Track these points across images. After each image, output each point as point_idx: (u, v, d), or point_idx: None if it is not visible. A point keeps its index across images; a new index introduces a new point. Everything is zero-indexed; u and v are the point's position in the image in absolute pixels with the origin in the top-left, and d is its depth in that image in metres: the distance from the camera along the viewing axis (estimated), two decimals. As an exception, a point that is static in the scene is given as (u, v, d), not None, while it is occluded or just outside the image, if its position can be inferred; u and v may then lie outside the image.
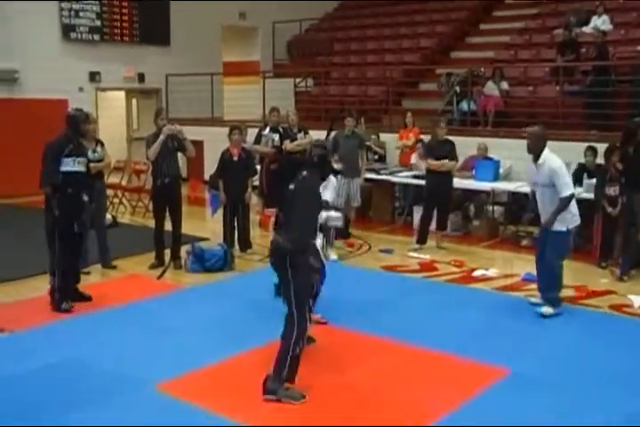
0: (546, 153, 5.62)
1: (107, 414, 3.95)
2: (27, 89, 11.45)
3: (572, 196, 5.60)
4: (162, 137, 7.03)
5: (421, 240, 8.16)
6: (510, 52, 12.85)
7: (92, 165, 6.98)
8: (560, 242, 5.70)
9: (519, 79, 11.77)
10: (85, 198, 5.95)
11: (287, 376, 4.13)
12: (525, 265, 7.28)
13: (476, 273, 7.04)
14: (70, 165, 5.81)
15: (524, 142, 9.51)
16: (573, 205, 5.70)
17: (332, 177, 7.83)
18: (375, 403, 4.13)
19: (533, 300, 5.97)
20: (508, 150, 9.48)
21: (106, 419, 3.89)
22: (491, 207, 9.10)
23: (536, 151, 5.67)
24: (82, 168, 5.94)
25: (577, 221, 5.77)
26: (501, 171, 9.22)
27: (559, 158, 5.67)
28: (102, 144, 7.20)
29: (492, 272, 7.03)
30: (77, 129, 5.97)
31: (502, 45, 13.34)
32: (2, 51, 11.31)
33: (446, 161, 8.04)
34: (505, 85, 11.08)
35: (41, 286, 6.17)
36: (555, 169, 5.53)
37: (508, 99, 11.11)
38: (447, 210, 8.41)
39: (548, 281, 5.77)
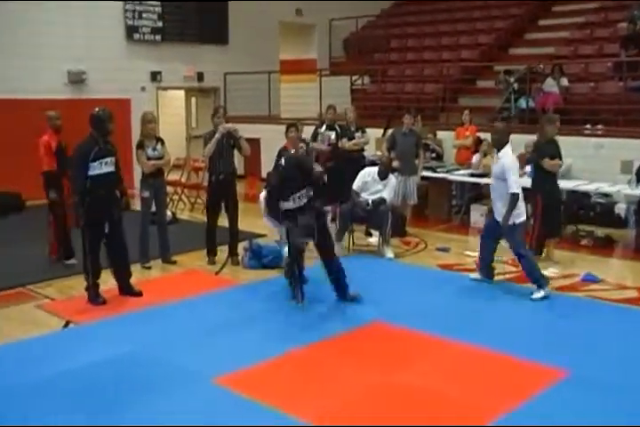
0: (507, 149, 6.11)
1: (166, 407, 4.05)
2: (93, 89, 11.86)
3: (518, 195, 5.99)
4: (217, 135, 7.19)
5: (540, 251, 7.39)
6: (570, 48, 12.60)
7: (152, 162, 7.20)
8: (511, 235, 6.17)
9: (579, 75, 11.53)
10: (117, 196, 6.13)
11: None
12: (585, 265, 7.19)
13: (534, 273, 6.96)
14: (98, 168, 5.88)
15: (584, 140, 9.50)
16: (521, 202, 6.12)
17: (392, 177, 7.91)
18: (431, 402, 4.15)
19: (472, 276, 6.65)
20: (568, 148, 9.27)
21: (165, 412, 3.99)
22: (549, 206, 8.95)
23: (498, 146, 6.19)
24: (110, 168, 6.00)
25: (522, 216, 6.16)
26: (560, 169, 9.05)
27: (515, 157, 6.22)
28: (163, 142, 7.39)
29: (550, 272, 6.94)
30: (102, 128, 5.96)
31: (562, 41, 13.09)
32: (71, 53, 11.71)
33: (558, 161, 7.29)
34: (565, 82, 10.87)
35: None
36: (508, 166, 5.99)
37: (567, 95, 10.91)
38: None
39: (527, 269, 6.17)
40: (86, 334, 5.38)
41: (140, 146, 7.21)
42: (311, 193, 5.82)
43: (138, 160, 7.30)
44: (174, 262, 7.44)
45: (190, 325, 5.46)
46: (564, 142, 9.39)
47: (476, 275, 6.65)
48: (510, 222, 6.06)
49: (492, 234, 6.43)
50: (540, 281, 6.08)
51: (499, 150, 6.17)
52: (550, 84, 10.70)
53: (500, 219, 6.17)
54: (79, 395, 4.24)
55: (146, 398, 4.18)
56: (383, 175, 7.73)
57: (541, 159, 7.11)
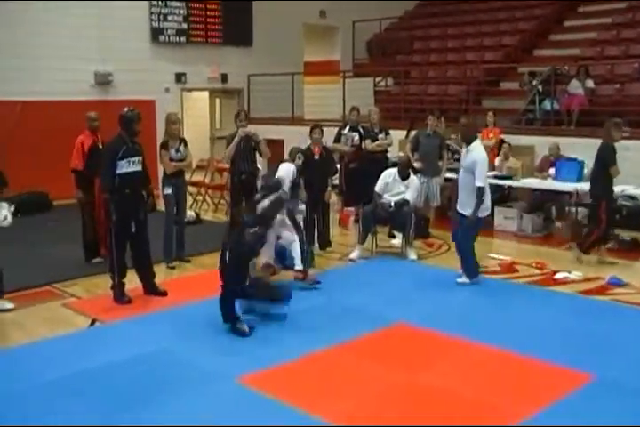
0: (477, 143, 6.36)
1: (190, 407, 4.09)
2: (119, 91, 12.00)
3: (483, 188, 6.20)
4: (236, 139, 7.42)
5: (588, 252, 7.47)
6: (597, 49, 12.49)
7: (173, 163, 7.29)
8: (472, 227, 6.40)
9: (605, 77, 11.43)
10: (143, 195, 6.20)
11: None
12: (610, 268, 7.12)
13: (559, 275, 6.91)
14: (125, 166, 5.97)
15: (610, 142, 9.36)
16: (487, 197, 6.35)
17: (414, 178, 7.90)
18: (453, 404, 4.14)
19: (459, 280, 6.59)
20: (593, 150, 9.21)
21: (190, 412, 4.02)
22: (573, 209, 8.89)
23: (466, 139, 6.48)
24: (137, 168, 6.08)
25: (486, 211, 6.47)
26: (585, 171, 8.99)
27: (484, 152, 6.38)
28: (186, 143, 7.48)
29: (575, 275, 6.89)
30: (130, 128, 6.04)
31: (588, 42, 12.98)
32: (98, 55, 11.86)
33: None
34: (590, 83, 10.78)
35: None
36: (477, 160, 6.19)
37: (593, 97, 10.82)
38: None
39: (461, 256, 6.56)
40: (112, 332, 5.44)
41: (164, 146, 7.31)
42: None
43: (161, 160, 7.41)
44: (188, 261, 7.53)
45: (214, 325, 5.48)
46: (590, 145, 9.33)
47: (463, 279, 6.61)
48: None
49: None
50: (470, 273, 6.50)
51: (468, 144, 6.38)
52: (575, 86, 10.61)
53: (461, 210, 6.39)
54: (102, 394, 4.29)
55: (170, 398, 4.22)
56: (404, 175, 7.72)
57: (612, 165, 7.11)
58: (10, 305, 5.95)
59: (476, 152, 6.25)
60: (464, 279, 6.53)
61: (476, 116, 11.29)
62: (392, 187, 7.71)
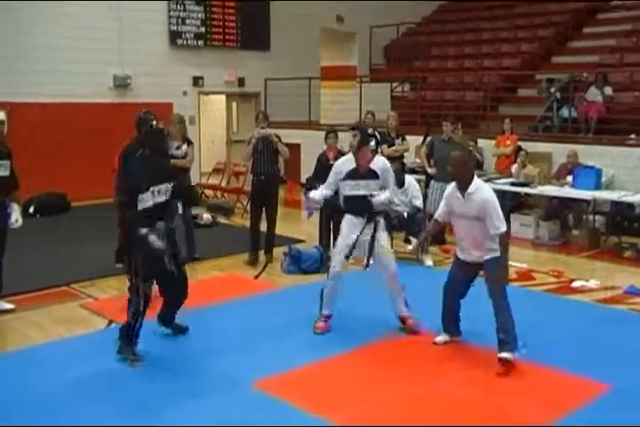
0: (476, 182, 4.82)
1: (206, 410, 4.09)
2: (137, 94, 12.08)
3: (505, 233, 4.78)
4: (253, 140, 7.48)
5: None
6: (616, 56, 12.44)
7: (172, 161, 7.29)
8: (502, 291, 4.90)
9: (624, 84, 11.37)
10: None
11: None
12: (628, 277, 7.07)
13: (576, 284, 6.87)
14: None
15: (628, 150, 9.35)
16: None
17: (412, 182, 7.84)
18: (468, 412, 4.12)
19: (437, 339, 5.22)
20: (611, 158, 9.21)
21: (205, 415, 4.03)
22: (591, 217, 8.84)
23: (463, 179, 4.83)
24: None
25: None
26: (603, 179, 8.95)
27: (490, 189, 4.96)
28: (190, 143, 7.45)
29: (592, 284, 6.85)
30: (140, 131, 6.01)
31: (607, 49, 12.93)
32: (117, 58, 11.94)
33: None
34: (609, 91, 10.73)
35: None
36: (488, 200, 4.72)
37: (611, 105, 10.76)
38: None
39: (501, 320, 4.84)
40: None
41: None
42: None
43: None
44: (197, 259, 7.56)
45: (230, 328, 5.51)
46: (608, 153, 9.32)
47: (442, 337, 5.24)
48: (498, 254, 4.78)
49: (460, 288, 5.12)
50: (515, 338, 4.82)
51: (465, 186, 4.80)
52: (594, 94, 10.57)
53: (478, 259, 4.91)
54: (119, 395, 4.32)
55: (185, 401, 4.23)
56: (399, 184, 7.75)
57: None
58: (9, 306, 5.98)
59: (482, 192, 4.77)
60: (509, 354, 4.73)
61: (494, 122, 11.28)
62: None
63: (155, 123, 5.02)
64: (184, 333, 5.29)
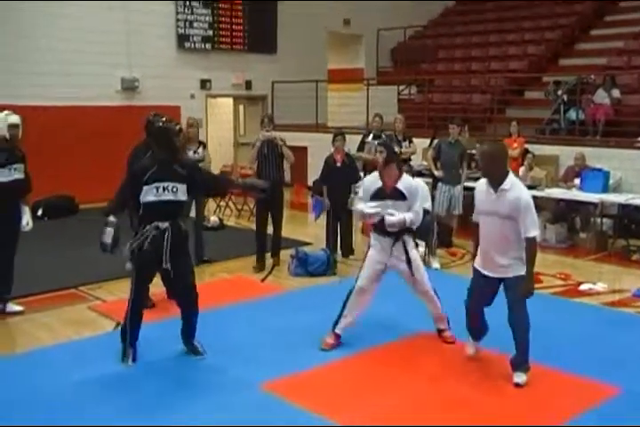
0: (512, 178, 4.47)
1: (213, 412, 4.10)
2: (145, 97, 12.14)
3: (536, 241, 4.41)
4: (257, 143, 7.44)
5: None
6: (624, 59, 12.42)
7: None
8: (523, 302, 4.59)
9: (632, 86, 11.36)
10: None
11: None
12: (636, 280, 7.06)
13: (583, 287, 6.86)
14: None
15: (636, 153, 9.33)
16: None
17: (420, 186, 7.86)
18: (476, 414, 4.12)
19: (469, 351, 4.97)
20: (619, 161, 9.19)
21: (212, 416, 4.03)
22: (598, 219, 8.82)
23: (496, 174, 4.45)
24: None
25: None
26: (611, 182, 8.94)
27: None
28: (205, 146, 7.61)
29: (599, 287, 6.83)
30: (149, 134, 5.75)
31: (615, 51, 12.91)
32: (125, 61, 12.01)
33: None
34: (616, 93, 10.72)
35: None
36: (527, 200, 4.37)
37: (619, 107, 10.74)
38: None
39: (519, 339, 4.56)
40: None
41: (182, 147, 7.39)
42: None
43: None
44: (208, 261, 7.62)
45: (237, 331, 5.52)
46: (616, 155, 9.30)
47: (471, 348, 5.01)
48: (524, 273, 4.48)
49: (485, 301, 4.78)
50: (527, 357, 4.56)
51: (499, 181, 4.43)
52: (602, 96, 10.56)
53: (501, 273, 4.55)
54: (126, 396, 4.33)
55: (193, 403, 4.24)
56: None
57: None
58: (19, 308, 6.01)
59: (518, 190, 4.41)
60: (521, 378, 4.51)
61: (500, 125, 11.27)
62: None
63: (162, 123, 4.88)
64: (196, 355, 5.01)
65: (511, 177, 4.45)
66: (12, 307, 5.99)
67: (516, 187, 4.41)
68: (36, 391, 4.38)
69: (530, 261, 4.43)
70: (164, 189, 4.68)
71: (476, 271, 4.75)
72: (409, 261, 5.12)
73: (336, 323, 5.20)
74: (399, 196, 5.06)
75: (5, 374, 4.67)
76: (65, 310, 6.10)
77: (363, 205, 5.12)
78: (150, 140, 5.14)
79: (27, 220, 5.96)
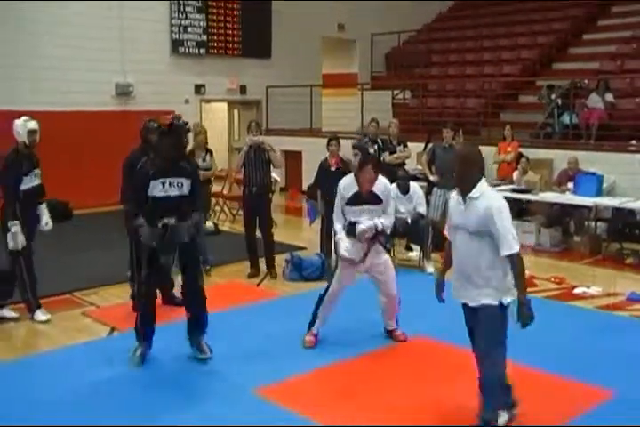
0: (483, 186, 3.71)
1: (206, 417, 4.09)
2: (139, 102, 12.17)
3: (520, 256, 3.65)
4: (244, 148, 7.38)
5: None
6: (617, 63, 12.48)
7: (200, 172, 7.33)
8: (497, 325, 3.77)
9: (626, 91, 11.41)
10: None
11: None
12: (630, 284, 7.07)
13: (577, 290, 6.87)
14: None
15: (629, 156, 9.38)
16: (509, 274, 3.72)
17: (416, 190, 7.87)
18: (471, 420, 4.12)
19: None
20: (612, 165, 9.23)
21: (206, 422, 4.03)
22: (592, 223, 8.85)
23: (465, 179, 3.73)
24: None
25: (514, 293, 3.72)
26: (605, 186, 8.96)
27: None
28: (212, 153, 7.63)
29: (593, 290, 6.84)
30: (146, 140, 5.96)
31: (608, 56, 12.97)
32: (120, 67, 12.03)
33: None
34: (610, 97, 10.76)
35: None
36: (499, 209, 3.61)
37: (612, 111, 10.79)
38: None
39: (489, 382, 3.78)
40: (130, 341, 5.46)
41: (192, 154, 7.40)
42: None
43: None
44: (208, 270, 7.46)
45: (232, 336, 5.51)
46: (609, 159, 9.34)
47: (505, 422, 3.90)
48: (495, 301, 3.73)
49: (474, 340, 3.98)
50: (499, 402, 3.85)
51: (466, 191, 3.72)
52: (595, 100, 10.60)
53: (468, 299, 3.82)
54: (120, 402, 4.33)
55: (187, 408, 4.24)
56: (404, 190, 7.78)
57: None
58: (14, 314, 6.00)
59: (488, 199, 3.67)
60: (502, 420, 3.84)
61: (494, 129, 11.31)
62: (398, 203, 7.50)
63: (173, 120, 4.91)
64: (199, 361, 4.99)
65: (482, 184, 3.70)
66: (9, 313, 5.99)
67: (486, 195, 3.67)
68: (33, 398, 4.36)
69: (519, 284, 3.67)
70: (170, 184, 4.76)
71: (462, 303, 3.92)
72: (380, 264, 5.20)
73: (311, 324, 5.34)
74: (375, 200, 5.03)
75: (1, 380, 4.66)
76: (59, 315, 6.08)
77: (342, 248, 5.08)
78: (154, 142, 5.25)
79: (46, 220, 6.00)
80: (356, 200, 5.04)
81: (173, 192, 4.77)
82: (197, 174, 5.06)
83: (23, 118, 5.86)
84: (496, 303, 3.73)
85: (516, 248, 3.61)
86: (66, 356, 5.14)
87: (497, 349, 3.76)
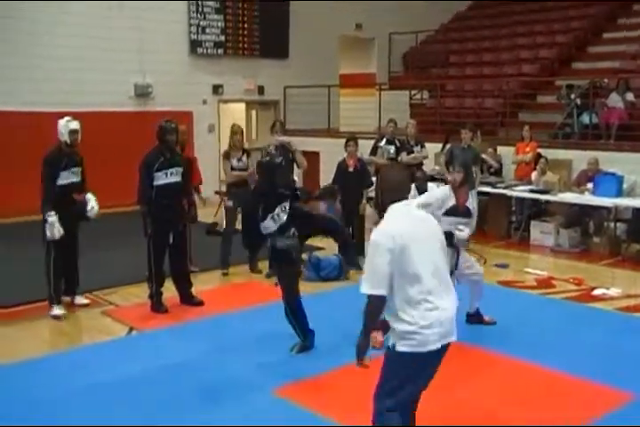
0: (389, 212, 3.35)
1: (225, 418, 4.11)
2: (158, 102, 12.20)
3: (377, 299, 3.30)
4: (271, 148, 7.35)
5: None
6: (637, 62, 12.36)
7: (235, 173, 7.42)
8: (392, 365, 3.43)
9: (646, 90, 11.29)
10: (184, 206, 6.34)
11: None
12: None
13: (597, 292, 6.82)
14: (162, 178, 6.03)
15: (650, 157, 9.26)
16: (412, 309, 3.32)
17: (442, 188, 7.85)
18: (487, 421, 4.11)
19: None
20: (633, 165, 9.13)
21: (224, 422, 4.04)
22: (612, 224, 8.77)
23: (380, 205, 3.50)
24: (176, 179, 6.13)
25: (414, 339, 3.33)
26: (625, 186, 8.88)
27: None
28: (249, 154, 7.61)
29: (613, 291, 6.79)
30: (162, 140, 6.09)
31: (628, 55, 12.84)
32: (139, 67, 12.08)
33: None
34: (630, 97, 10.66)
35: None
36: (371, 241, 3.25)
37: (633, 111, 10.68)
38: None
39: None
40: (149, 341, 5.52)
41: (226, 156, 7.46)
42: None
43: (224, 169, 7.69)
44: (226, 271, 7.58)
45: (249, 335, 5.53)
46: (630, 159, 9.25)
47: None
48: (383, 345, 3.53)
49: None
50: None
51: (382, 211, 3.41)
52: (615, 100, 10.50)
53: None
54: (137, 402, 4.35)
55: (205, 408, 4.27)
56: (421, 190, 7.74)
57: None
58: (86, 301, 6.38)
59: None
60: None
61: (513, 129, 11.24)
62: None
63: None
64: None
65: (392, 209, 3.31)
66: (82, 299, 6.39)
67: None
68: (50, 397, 4.41)
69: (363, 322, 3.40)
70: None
71: None
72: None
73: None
74: (468, 213, 5.55)
75: (21, 379, 4.70)
76: (80, 315, 6.15)
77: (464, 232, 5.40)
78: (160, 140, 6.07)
79: (92, 204, 6.20)
80: (452, 212, 5.45)
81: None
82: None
83: (66, 119, 6.17)
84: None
85: (363, 288, 3.32)
86: (83, 355, 5.18)
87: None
